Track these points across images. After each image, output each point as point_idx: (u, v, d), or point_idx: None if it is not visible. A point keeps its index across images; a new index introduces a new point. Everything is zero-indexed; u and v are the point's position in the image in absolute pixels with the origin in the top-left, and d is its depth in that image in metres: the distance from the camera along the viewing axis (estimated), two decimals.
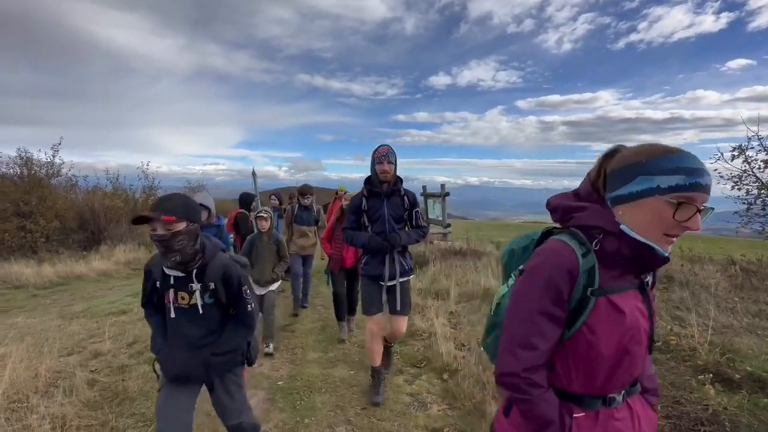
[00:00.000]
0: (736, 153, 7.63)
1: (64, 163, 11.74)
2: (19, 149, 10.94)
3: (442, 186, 10.56)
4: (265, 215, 3.86)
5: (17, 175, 10.85)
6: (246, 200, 6.08)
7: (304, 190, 5.17)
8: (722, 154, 7.79)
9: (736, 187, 7.72)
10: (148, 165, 14.37)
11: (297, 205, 5.27)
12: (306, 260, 5.29)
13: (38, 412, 2.60)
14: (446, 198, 10.43)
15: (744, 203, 7.68)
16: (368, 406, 2.88)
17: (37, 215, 10.28)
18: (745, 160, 7.60)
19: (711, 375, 2.83)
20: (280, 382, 3.26)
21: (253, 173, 9.50)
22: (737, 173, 7.70)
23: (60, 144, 11.51)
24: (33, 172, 11.00)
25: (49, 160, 11.35)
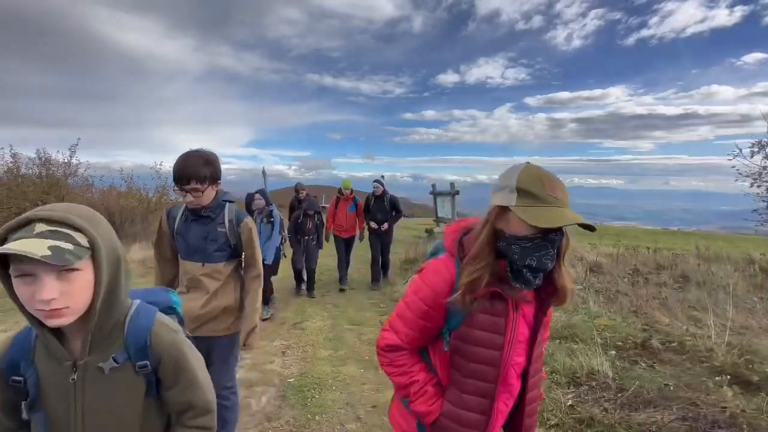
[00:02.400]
0: (755, 149, 7.44)
1: (80, 163, 12.01)
2: (37, 150, 11.25)
3: (452, 184, 10.51)
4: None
5: (36, 175, 11.15)
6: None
7: (182, 173, 1.84)
8: (741, 150, 7.60)
9: (755, 184, 7.52)
10: (161, 165, 14.62)
11: (184, 209, 2.01)
12: (212, 349, 1.96)
13: None
14: (456, 196, 10.39)
15: (763, 201, 7.49)
16: (378, 404, 2.89)
17: None
18: (765, 156, 7.40)
19: (728, 376, 2.76)
20: (290, 380, 3.29)
21: (263, 172, 9.56)
22: (756, 170, 7.50)
23: (77, 145, 11.80)
24: (51, 172, 11.30)
25: (66, 160, 11.64)
